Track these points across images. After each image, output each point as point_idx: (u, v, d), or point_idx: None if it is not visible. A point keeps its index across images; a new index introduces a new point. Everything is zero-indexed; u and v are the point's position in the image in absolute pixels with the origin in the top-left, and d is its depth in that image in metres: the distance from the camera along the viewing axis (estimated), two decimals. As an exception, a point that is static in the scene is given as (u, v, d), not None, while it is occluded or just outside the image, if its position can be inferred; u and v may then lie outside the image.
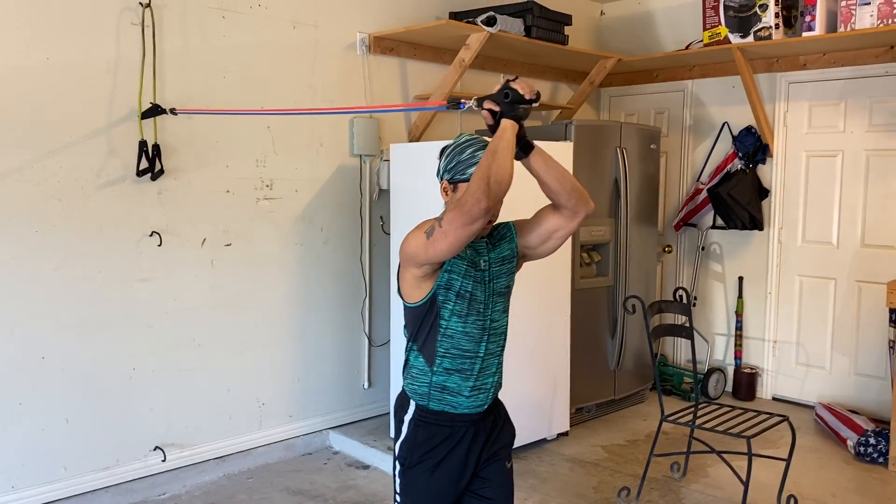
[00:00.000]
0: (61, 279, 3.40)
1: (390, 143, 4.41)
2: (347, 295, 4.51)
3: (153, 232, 3.66)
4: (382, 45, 4.51)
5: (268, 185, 4.10)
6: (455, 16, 4.54)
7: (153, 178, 3.61)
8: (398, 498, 2.14)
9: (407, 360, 2.15)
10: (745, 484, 3.22)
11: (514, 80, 1.89)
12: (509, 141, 1.85)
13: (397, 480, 2.14)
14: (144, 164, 3.56)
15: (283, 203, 4.18)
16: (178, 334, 3.80)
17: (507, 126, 1.87)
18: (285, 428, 4.27)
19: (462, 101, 2.02)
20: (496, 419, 2.19)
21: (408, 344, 2.15)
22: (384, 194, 4.54)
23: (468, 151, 2.02)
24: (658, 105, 5.73)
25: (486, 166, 1.81)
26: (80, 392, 3.49)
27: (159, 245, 3.68)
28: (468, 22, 4.26)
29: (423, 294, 2.03)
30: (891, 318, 4.33)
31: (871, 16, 4.16)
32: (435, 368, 2.06)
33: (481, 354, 2.07)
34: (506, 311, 2.16)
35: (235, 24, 3.89)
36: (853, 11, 4.23)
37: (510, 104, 1.86)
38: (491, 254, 2.11)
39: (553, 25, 4.65)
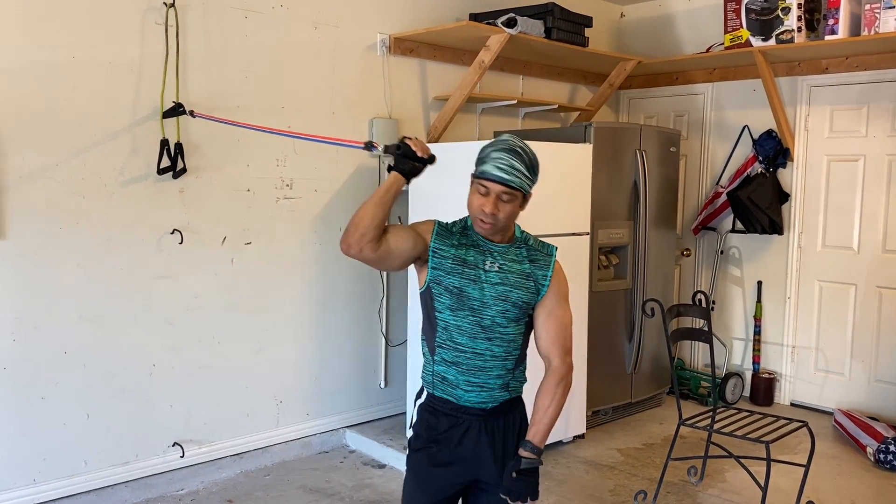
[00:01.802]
0: (84, 275, 3.44)
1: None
2: (365, 295, 4.53)
3: (174, 230, 3.70)
4: (402, 46, 4.52)
5: (288, 185, 4.13)
6: (475, 17, 4.54)
7: (175, 177, 3.64)
8: (404, 478, 2.26)
9: (422, 350, 2.24)
10: (764, 489, 3.20)
11: (410, 139, 2.04)
12: (385, 191, 2.00)
13: (405, 462, 2.25)
14: (166, 162, 3.60)
15: (303, 203, 4.20)
16: (198, 331, 3.83)
17: (392, 178, 2.03)
18: (302, 426, 4.29)
19: (374, 144, 2.23)
20: (511, 421, 2.17)
21: (420, 335, 2.26)
22: (402, 195, 4.54)
23: (489, 150, 2.07)
24: (678, 108, 5.71)
25: (359, 208, 1.98)
26: (101, 387, 3.53)
27: (180, 243, 3.71)
28: (488, 23, 4.27)
29: (421, 282, 2.14)
30: (912, 324, 4.29)
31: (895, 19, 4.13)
32: (435, 358, 2.14)
33: (479, 351, 2.09)
34: (516, 321, 2.12)
35: (257, 24, 3.92)
36: (877, 15, 4.19)
37: (399, 157, 2.01)
38: (511, 264, 2.11)
39: (573, 27, 4.65)
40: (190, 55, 3.69)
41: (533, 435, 2.09)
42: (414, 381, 4.26)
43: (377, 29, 4.43)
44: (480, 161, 2.07)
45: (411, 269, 4.21)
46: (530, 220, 3.85)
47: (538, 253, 2.17)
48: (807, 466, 3.46)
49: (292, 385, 4.24)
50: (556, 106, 5.15)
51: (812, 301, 5.07)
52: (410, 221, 4.21)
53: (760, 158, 5.17)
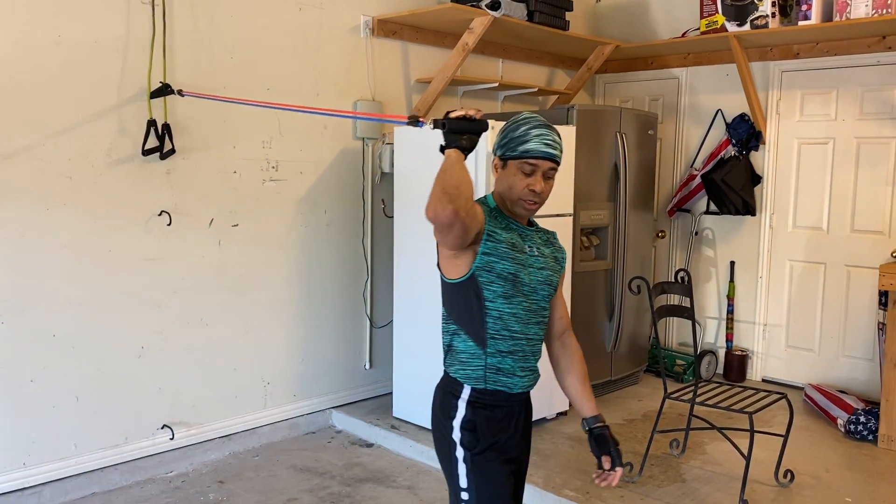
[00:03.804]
0: (72, 257, 3.41)
1: (393, 126, 4.45)
2: (350, 277, 4.55)
3: (162, 211, 3.68)
4: (386, 28, 4.53)
5: (273, 167, 4.13)
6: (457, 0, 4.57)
7: (162, 158, 3.62)
8: (465, 483, 2.04)
9: (451, 346, 2.09)
10: (747, 458, 3.32)
11: (454, 111, 1.92)
12: (455, 160, 1.85)
13: (463, 466, 2.04)
14: (153, 143, 3.58)
15: (289, 185, 4.21)
16: (186, 313, 3.83)
17: (450, 153, 1.87)
18: (290, 407, 4.31)
19: (421, 119, 2.10)
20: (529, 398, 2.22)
21: (450, 327, 2.10)
22: (386, 178, 4.59)
23: (522, 129, 2.01)
24: (652, 92, 5.81)
25: (440, 182, 1.81)
26: (90, 370, 3.51)
27: (168, 224, 3.69)
28: (472, 6, 4.30)
29: (460, 272, 2.00)
30: (881, 300, 4.45)
31: (867, 6, 4.26)
32: (488, 350, 2.02)
33: (530, 336, 2.07)
34: (550, 302, 2.15)
35: (243, 5, 3.90)
36: (849, 1, 4.32)
37: (449, 134, 1.90)
38: (542, 247, 2.12)
39: (554, 11, 4.70)
40: (176, 35, 3.66)
41: (595, 408, 2.17)
42: (401, 361, 4.31)
43: (361, 11, 4.44)
44: (518, 141, 1.99)
45: (394, 259, 4.28)
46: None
47: (549, 236, 2.21)
48: (785, 436, 3.59)
49: (279, 366, 4.26)
50: (535, 89, 5.21)
51: (783, 280, 5.23)
52: (396, 205, 4.25)
53: (734, 142, 5.29)
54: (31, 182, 3.27)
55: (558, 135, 2.05)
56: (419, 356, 4.20)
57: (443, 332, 2.14)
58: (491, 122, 2.18)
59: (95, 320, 3.51)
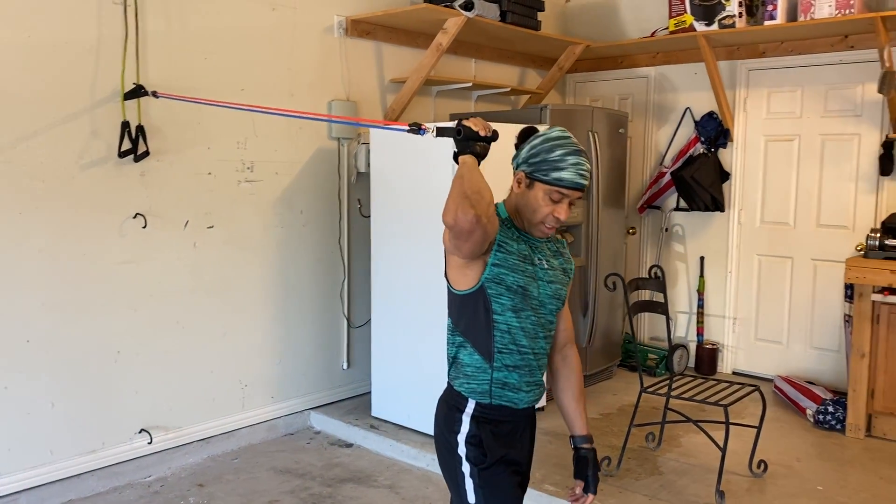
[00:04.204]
0: (45, 261, 3.36)
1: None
2: (326, 277, 4.55)
3: (137, 214, 3.64)
4: (359, 28, 4.53)
5: (249, 168, 4.11)
6: (430, 0, 4.58)
7: (136, 160, 3.58)
8: (474, 498, 2.00)
9: (456, 358, 2.04)
10: (723, 450, 3.39)
11: (466, 119, 1.89)
12: (471, 166, 1.82)
13: (470, 481, 2.00)
14: (127, 145, 3.54)
15: (264, 185, 4.19)
16: (162, 317, 3.79)
17: (465, 160, 1.84)
18: (268, 409, 4.30)
19: (423, 126, 2.00)
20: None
21: (456, 340, 2.04)
22: (362, 177, 4.59)
23: (558, 153, 1.91)
24: (622, 91, 5.89)
25: (458, 187, 1.76)
26: (66, 375, 3.47)
27: (144, 227, 3.66)
28: (446, 6, 4.32)
29: (469, 283, 1.94)
30: (846, 293, 4.57)
31: (830, 6, 4.37)
32: (495, 364, 1.97)
33: (537, 351, 2.02)
34: (557, 316, 2.10)
35: (216, 5, 3.87)
36: (813, 1, 4.43)
37: (463, 141, 1.86)
38: (551, 259, 2.06)
39: (526, 11, 4.75)
40: (149, 36, 3.62)
41: (585, 427, 2.12)
42: (379, 361, 4.32)
43: (334, 11, 4.43)
44: (552, 166, 1.90)
45: (372, 259, 4.29)
46: (497, 200, 3.94)
47: (559, 245, 2.13)
48: (759, 428, 3.68)
49: (257, 368, 4.24)
50: (508, 89, 5.25)
51: (751, 274, 5.34)
52: (373, 204, 4.26)
53: (702, 139, 5.39)
54: (2, 185, 3.21)
55: (589, 160, 1.96)
56: (397, 355, 4.21)
57: (448, 343, 2.07)
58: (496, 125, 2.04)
59: (70, 325, 3.46)
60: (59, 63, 3.34)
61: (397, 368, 4.22)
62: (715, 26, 4.80)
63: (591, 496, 2.11)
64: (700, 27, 4.86)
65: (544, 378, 2.10)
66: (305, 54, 4.31)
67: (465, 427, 2.00)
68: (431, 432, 3.99)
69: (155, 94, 3.52)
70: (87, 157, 3.46)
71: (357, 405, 4.59)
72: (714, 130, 5.33)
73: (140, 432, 3.74)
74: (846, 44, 4.76)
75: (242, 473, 3.84)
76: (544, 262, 2.02)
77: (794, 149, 5.08)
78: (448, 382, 2.09)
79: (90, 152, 3.47)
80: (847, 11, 4.33)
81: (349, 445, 4.23)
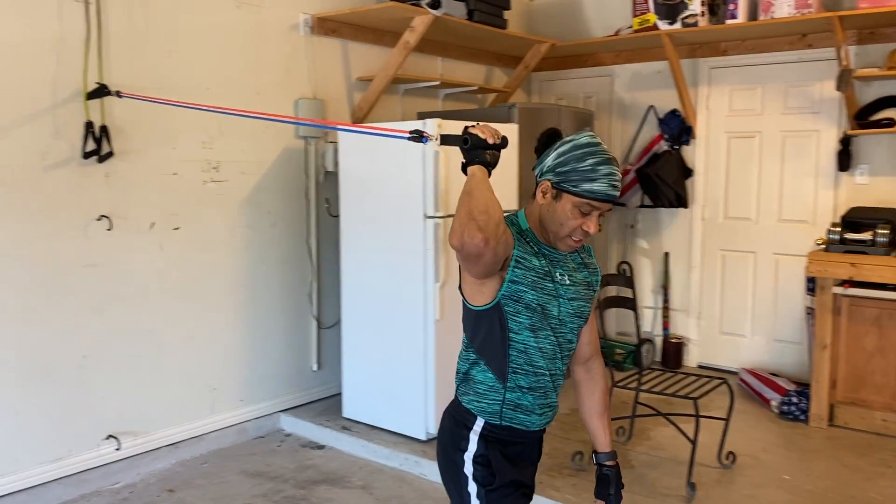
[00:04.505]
0: (7, 265, 3.28)
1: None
2: (295, 278, 4.51)
3: (101, 216, 3.57)
4: (325, 26, 4.50)
5: (214, 168, 4.05)
6: (396, -2, 4.57)
7: (100, 161, 3.51)
8: None
9: (468, 374, 1.94)
10: (694, 443, 3.45)
11: (473, 127, 1.78)
12: (480, 179, 1.71)
13: (476, 502, 1.91)
14: (91, 145, 3.47)
15: (231, 186, 4.14)
16: (129, 320, 3.72)
17: (474, 171, 1.74)
18: (237, 412, 4.25)
19: (425, 134, 1.92)
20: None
21: (469, 356, 1.94)
22: (329, 177, 4.56)
23: (589, 162, 1.77)
24: (587, 89, 5.94)
25: (465, 206, 1.65)
26: (30, 382, 3.38)
27: (109, 229, 3.58)
28: (413, 4, 4.31)
29: (485, 299, 1.83)
30: (808, 286, 4.68)
31: (789, 5, 4.46)
32: (508, 385, 1.87)
33: (554, 372, 1.91)
34: (578, 334, 1.99)
35: (180, 3, 3.81)
36: (773, 1, 4.52)
37: (471, 150, 1.75)
38: (574, 273, 1.93)
39: (493, 10, 4.76)
40: (112, 35, 3.55)
41: (609, 444, 2.05)
42: (350, 361, 4.30)
43: (300, 9, 4.39)
44: (583, 177, 1.76)
45: (341, 258, 4.27)
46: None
47: (584, 255, 2.00)
48: (727, 420, 3.75)
49: (225, 371, 4.19)
50: (475, 87, 5.26)
51: (715, 269, 5.43)
52: (342, 204, 4.23)
53: (666, 137, 5.47)
54: (-39, 188, 3.13)
55: (619, 168, 1.83)
56: (368, 355, 4.19)
57: (461, 358, 1.98)
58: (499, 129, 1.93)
59: (34, 330, 3.38)
60: (19, 62, 3.26)
61: (368, 369, 4.20)
62: (678, 25, 4.87)
63: None
64: (663, 26, 4.92)
65: (558, 398, 2.01)
66: (271, 52, 4.27)
67: (473, 446, 1.90)
68: (404, 431, 4.04)
69: (119, 94, 3.45)
70: (49, 159, 3.38)
71: (328, 406, 4.56)
72: (677, 128, 5.41)
73: (107, 438, 3.67)
74: (805, 42, 4.87)
75: (213, 478, 3.79)
76: (566, 278, 1.89)
77: (756, 145, 5.18)
78: (456, 396, 1.99)
79: (53, 153, 3.39)
80: (805, 11, 4.43)
81: (321, 447, 4.20)
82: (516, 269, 1.80)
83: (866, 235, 4.20)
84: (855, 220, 4.35)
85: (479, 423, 1.91)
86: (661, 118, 5.52)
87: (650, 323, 5.75)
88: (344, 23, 4.57)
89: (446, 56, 5.35)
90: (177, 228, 3.89)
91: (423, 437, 3.98)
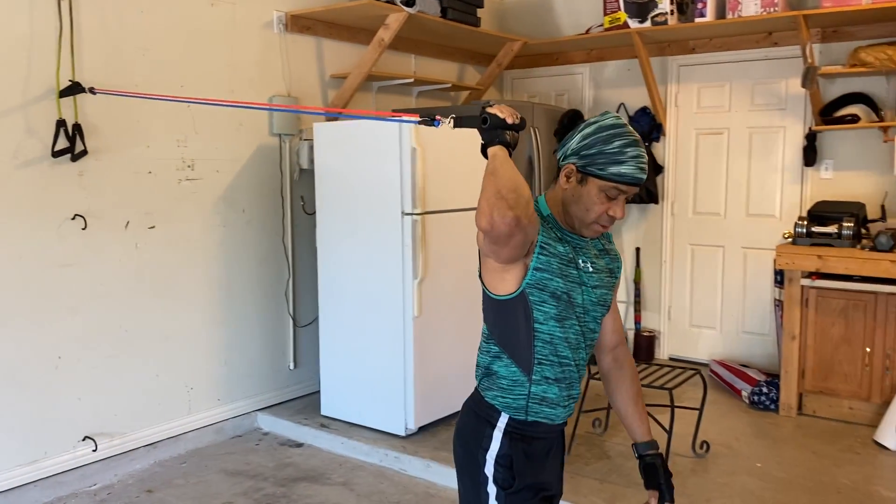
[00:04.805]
0: (-20, 266, 3.23)
1: (311, 122, 4.42)
2: (271, 276, 4.50)
3: (76, 215, 3.53)
4: (299, 23, 4.49)
5: (189, 166, 4.02)
6: (370, -5, 4.58)
7: (74, 159, 3.47)
8: None
9: (489, 369, 1.86)
10: (669, 432, 3.52)
11: (490, 106, 1.71)
12: (503, 159, 1.64)
13: (494, 503, 1.84)
14: (63, 143, 3.43)
15: (205, 184, 4.11)
16: (105, 320, 3.69)
17: (496, 152, 1.66)
18: (214, 411, 4.23)
19: (437, 118, 1.83)
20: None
21: (491, 348, 1.86)
22: (304, 174, 4.55)
23: (616, 144, 1.70)
24: (558, 87, 6.00)
25: (492, 186, 1.58)
26: (5, 384, 3.33)
27: (83, 228, 3.55)
28: (387, 2, 4.32)
29: (508, 288, 1.74)
30: (776, 279, 4.79)
31: (756, 4, 4.57)
32: (534, 377, 1.80)
33: (578, 362, 1.84)
34: (600, 323, 1.91)
35: (153, 0, 3.79)
36: (740, 0, 4.62)
37: (490, 130, 1.67)
38: (596, 260, 1.86)
39: (467, 7, 4.80)
40: (84, 32, 3.51)
41: (647, 433, 1.99)
42: (327, 359, 4.30)
43: (273, 6, 4.38)
44: (611, 160, 1.70)
45: (319, 257, 4.26)
46: (441, 196, 3.98)
47: (604, 241, 1.93)
48: (700, 409, 3.83)
49: (202, 371, 4.17)
50: (449, 84, 5.29)
51: (685, 263, 5.53)
52: (318, 201, 4.23)
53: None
54: (-69, 187, 3.07)
55: (645, 151, 1.76)
56: (347, 353, 4.20)
57: (481, 351, 1.89)
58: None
59: (8, 331, 3.33)
60: (-10, 59, 3.21)
61: (346, 366, 4.21)
62: (648, 23, 4.95)
63: None
64: (633, 24, 5.00)
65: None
66: (245, 50, 4.25)
67: (496, 444, 1.82)
68: (383, 428, 4.06)
69: (92, 91, 3.41)
70: (21, 157, 3.33)
71: (306, 405, 4.55)
72: (647, 125, 5.49)
73: (84, 440, 3.63)
74: (771, 40, 4.98)
75: (192, 477, 3.77)
76: (588, 265, 1.81)
77: (724, 142, 5.28)
78: (477, 390, 1.91)
79: (25, 152, 3.34)
80: (771, 9, 4.53)
81: (299, 445, 4.19)
82: (541, 256, 1.72)
83: (832, 228, 4.31)
84: (821, 213, 4.46)
85: (503, 420, 1.83)
86: (631, 115, 5.60)
87: (622, 317, 5.83)
88: (318, 20, 4.57)
89: (420, 53, 5.37)
90: (152, 227, 3.86)
91: (402, 433, 4.00)
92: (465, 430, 1.91)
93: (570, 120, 1.83)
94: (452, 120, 1.77)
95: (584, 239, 1.83)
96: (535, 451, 1.84)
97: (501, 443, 1.82)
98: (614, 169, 1.69)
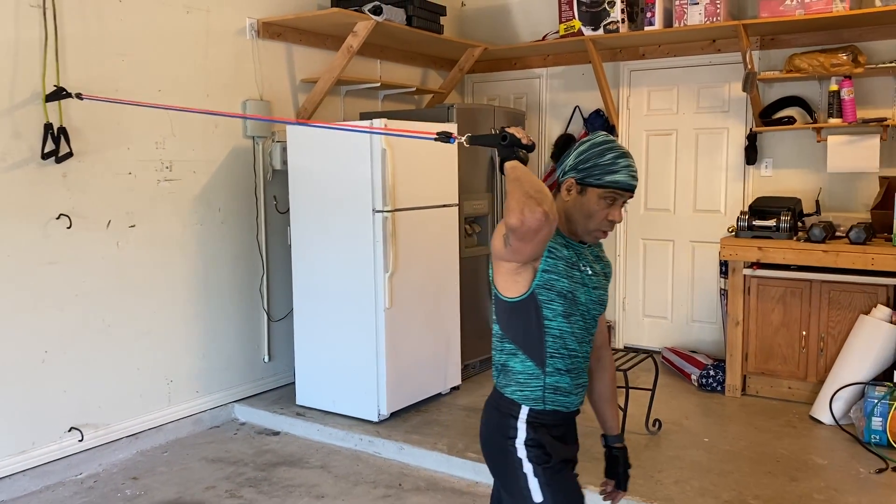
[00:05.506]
0: (-30, 264, 3.36)
1: (283, 125, 4.62)
2: (246, 273, 4.68)
3: (60, 215, 3.68)
4: (270, 30, 4.69)
5: (167, 167, 4.19)
6: (337, 3, 4.80)
7: (59, 161, 3.62)
8: (541, 497, 1.99)
9: (506, 366, 2.04)
10: (624, 411, 3.82)
11: (508, 128, 1.91)
12: (524, 169, 1.83)
13: (535, 480, 1.99)
14: (50, 146, 3.58)
15: (183, 184, 4.28)
16: (88, 316, 3.84)
17: (515, 164, 1.84)
18: (193, 403, 4.40)
19: (452, 136, 2.02)
20: None
21: (505, 346, 2.04)
22: (277, 175, 4.75)
23: (609, 156, 1.93)
24: (517, 91, 6.29)
25: (518, 189, 1.75)
26: (-6, 377, 3.48)
27: (69, 227, 3.70)
28: (355, 10, 4.54)
29: (520, 290, 1.93)
30: (721, 270, 5.13)
31: (700, 14, 4.90)
32: (547, 370, 1.99)
33: (584, 354, 2.05)
34: (597, 322, 2.11)
35: (132, 8, 3.95)
36: (685, 10, 4.95)
37: (508, 147, 1.87)
38: (594, 265, 2.05)
39: (430, 16, 5.04)
40: (68, 39, 3.67)
41: (617, 428, 2.26)
42: (302, 351, 4.50)
43: (246, 13, 4.57)
44: (605, 170, 1.92)
45: (292, 255, 4.47)
46: (410, 195, 4.21)
47: (598, 248, 2.14)
48: (653, 390, 4.14)
49: (181, 364, 4.34)
50: (413, 88, 5.53)
51: (638, 257, 5.86)
52: (292, 201, 4.44)
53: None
54: (-76, 189, 3.20)
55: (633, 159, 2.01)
56: (321, 344, 4.41)
57: (496, 350, 2.08)
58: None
59: (-3, 327, 3.48)
60: (-22, 65, 3.35)
61: (320, 357, 4.42)
62: (600, 31, 5.25)
63: (621, 493, 2.23)
64: (587, 32, 5.30)
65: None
66: (220, 55, 4.43)
67: (522, 433, 2.00)
68: (357, 415, 4.29)
69: (79, 97, 3.57)
70: (9, 159, 3.47)
71: (281, 395, 4.75)
72: (601, 126, 5.80)
73: (70, 430, 3.78)
74: (714, 47, 5.33)
75: (174, 465, 3.94)
76: (588, 269, 2.01)
77: (672, 142, 5.62)
78: (496, 388, 2.09)
79: (12, 154, 3.48)
80: (714, 19, 4.87)
81: (276, 433, 4.39)
82: (549, 259, 1.92)
83: (771, 222, 4.66)
84: (761, 208, 4.81)
85: (524, 411, 2.00)
86: (585, 117, 5.91)
87: (580, 309, 6.13)
88: (289, 27, 4.77)
89: (385, 59, 5.60)
90: (132, 226, 4.03)
91: (375, 418, 4.23)
92: (490, 427, 2.09)
93: (565, 142, 2.07)
94: (468, 138, 1.99)
95: (584, 246, 2.03)
96: (556, 436, 2.03)
97: (527, 431, 2.00)
98: (609, 178, 1.92)
